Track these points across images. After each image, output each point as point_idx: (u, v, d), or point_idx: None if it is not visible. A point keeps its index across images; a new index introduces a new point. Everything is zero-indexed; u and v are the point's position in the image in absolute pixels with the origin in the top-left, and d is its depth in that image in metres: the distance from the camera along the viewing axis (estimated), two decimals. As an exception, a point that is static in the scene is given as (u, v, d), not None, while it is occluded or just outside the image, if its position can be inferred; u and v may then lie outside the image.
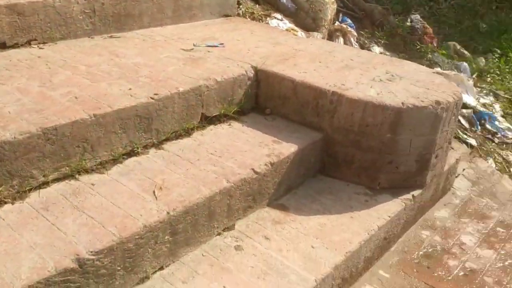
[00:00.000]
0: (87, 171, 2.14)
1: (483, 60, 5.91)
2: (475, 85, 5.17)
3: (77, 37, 3.11)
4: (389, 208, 2.48)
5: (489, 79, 5.54)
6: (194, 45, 3.17)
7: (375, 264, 2.44)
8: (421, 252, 2.55)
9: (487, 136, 4.55)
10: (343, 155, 2.64)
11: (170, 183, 2.10)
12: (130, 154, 2.31)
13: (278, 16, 4.53)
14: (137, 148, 2.33)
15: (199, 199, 2.03)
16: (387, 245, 2.51)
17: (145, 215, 1.88)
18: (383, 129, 2.49)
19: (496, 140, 4.53)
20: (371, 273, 2.38)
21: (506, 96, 5.23)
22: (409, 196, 2.59)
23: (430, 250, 2.57)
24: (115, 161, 2.24)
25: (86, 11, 3.11)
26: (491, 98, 5.18)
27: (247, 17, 4.27)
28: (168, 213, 1.92)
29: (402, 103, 2.45)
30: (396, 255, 2.52)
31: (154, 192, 2.03)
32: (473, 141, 4.25)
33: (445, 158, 2.82)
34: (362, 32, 5.54)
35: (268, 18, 4.46)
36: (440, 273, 2.41)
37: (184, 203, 1.98)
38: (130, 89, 2.41)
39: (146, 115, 2.33)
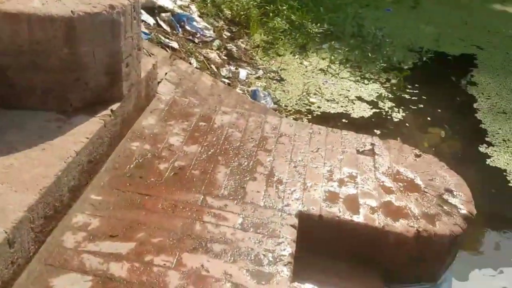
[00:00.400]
0: None
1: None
2: (170, -12, 5.20)
3: None
4: (87, 129, 2.30)
5: (182, -20, 5.65)
6: None
7: (86, 190, 2.29)
8: (132, 165, 2.51)
9: (188, 37, 4.74)
10: (21, 81, 2.26)
11: None
12: None
13: None
14: None
15: None
16: (95, 167, 2.37)
17: None
18: (57, 44, 2.20)
19: (196, 40, 4.77)
20: (82, 200, 2.23)
21: (199, -4, 5.47)
22: (107, 112, 2.45)
23: (141, 160, 2.56)
24: None
25: None
26: (187, 0, 5.34)
27: None
28: None
29: (72, 12, 2.17)
30: (107, 175, 2.41)
31: None
32: (175, 44, 4.35)
33: (139, 66, 2.74)
34: None
35: None
36: (152, 179, 2.43)
37: None
38: None
39: None
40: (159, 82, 3.32)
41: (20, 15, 2.11)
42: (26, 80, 2.25)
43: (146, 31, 4.19)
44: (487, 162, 3.76)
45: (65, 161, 2.08)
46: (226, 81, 4.39)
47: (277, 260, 2.05)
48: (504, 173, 3.64)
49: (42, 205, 1.91)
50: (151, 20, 4.49)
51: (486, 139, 4.04)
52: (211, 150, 2.74)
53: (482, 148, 3.92)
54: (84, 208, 2.19)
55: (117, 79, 2.49)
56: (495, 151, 3.89)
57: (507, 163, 3.75)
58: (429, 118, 4.33)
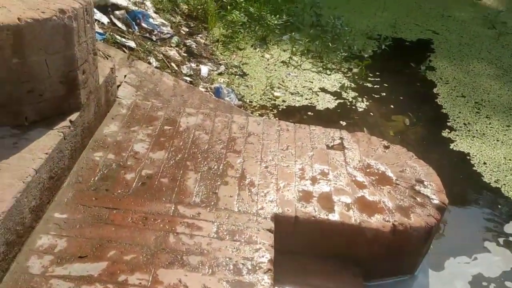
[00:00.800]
0: None
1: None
2: (122, -16, 4.99)
3: None
4: (46, 144, 2.16)
5: (133, -24, 5.44)
6: None
7: (49, 209, 2.15)
8: (97, 177, 2.39)
9: (145, 35, 4.57)
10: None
11: None
12: None
13: None
14: None
15: None
16: (57, 183, 2.23)
17: None
18: (6, 54, 2.03)
19: (154, 38, 4.61)
20: (45, 220, 2.10)
21: (154, -9, 5.28)
22: (66, 123, 2.31)
23: (106, 171, 2.44)
24: None
25: None
26: (141, -4, 5.14)
27: None
28: None
29: (19, 19, 2.01)
30: (70, 190, 2.28)
31: None
32: (132, 43, 4.18)
33: (96, 71, 2.60)
34: None
35: None
36: (119, 191, 2.32)
37: None
38: None
39: None
40: (118, 86, 3.18)
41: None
42: (-27, 95, 2.08)
43: (101, 31, 4.00)
44: (451, 147, 3.83)
45: (24, 181, 1.93)
46: (188, 79, 4.26)
47: (257, 268, 2.00)
48: (468, 157, 3.72)
49: (3, 231, 1.77)
50: (105, 19, 4.29)
51: (448, 123, 4.12)
52: (179, 155, 2.64)
53: (445, 133, 4.00)
54: (48, 229, 2.06)
55: (74, 88, 2.35)
56: (457, 135, 3.97)
57: (470, 147, 3.84)
58: (392, 106, 4.38)
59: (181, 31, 5.09)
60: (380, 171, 2.68)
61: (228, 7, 5.41)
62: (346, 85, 4.54)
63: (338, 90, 4.47)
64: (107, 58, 3.29)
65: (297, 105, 4.19)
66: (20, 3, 2.12)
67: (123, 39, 4.18)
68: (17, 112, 2.18)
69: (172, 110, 3.06)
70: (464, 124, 4.14)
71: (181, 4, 5.43)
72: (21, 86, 2.14)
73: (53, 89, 2.25)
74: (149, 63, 4.06)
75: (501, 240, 3.00)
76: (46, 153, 2.11)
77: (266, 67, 4.71)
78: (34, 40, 2.07)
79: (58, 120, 2.31)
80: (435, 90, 4.67)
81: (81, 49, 2.32)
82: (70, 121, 2.34)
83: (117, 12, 4.51)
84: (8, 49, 2.02)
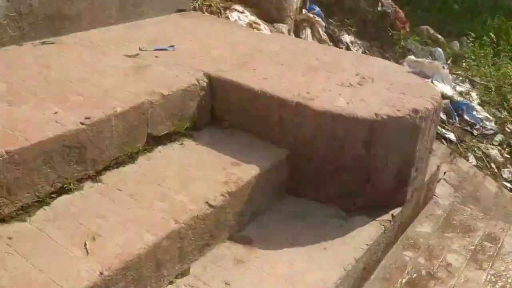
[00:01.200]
0: (4, 220, 1.76)
1: (457, 44, 5.67)
2: (450, 72, 4.92)
3: (2, 45, 2.67)
4: (367, 234, 2.19)
5: (464, 64, 5.31)
6: (140, 49, 2.77)
7: (354, 298, 2.15)
8: (404, 279, 2.27)
9: (465, 127, 4.32)
10: (313, 174, 2.32)
11: (106, 230, 1.74)
12: (60, 191, 1.93)
13: (239, 8, 4.14)
14: (69, 184, 1.95)
15: (141, 249, 1.68)
16: (367, 274, 2.22)
17: (72, 281, 1.52)
18: (355, 144, 2.18)
19: (475, 132, 4.31)
20: (348, 310, 2.10)
21: (482, 82, 5.01)
22: (388, 216, 2.30)
23: (414, 275, 2.30)
24: (41, 202, 1.86)
25: (11, 14, 2.67)
26: (467, 86, 4.95)
27: (204, 10, 3.87)
28: (101, 273, 1.56)
29: (376, 114, 2.13)
30: (377, 284, 2.23)
31: (85, 244, 1.67)
32: (452, 136, 4.01)
33: (425, 169, 2.53)
34: (331, 20, 5.21)
35: (227, 11, 4.07)
36: (426, 304, 2.14)
37: (123, 257, 1.63)
38: (56, 112, 2.01)
39: (77, 144, 1.95)
40: (437, 182, 3.03)
41: (327, 113, 2.18)
42: (319, 173, 2.30)
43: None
44: None
45: (345, 268, 1.98)
46: (508, 185, 3.76)
47: None
48: None
49: (318, 314, 1.84)
50: (428, 107, 4.27)
51: None
52: (499, 283, 2.27)
53: None
54: (351, 321, 2.04)
55: (403, 184, 2.33)
56: None
57: None
58: None
59: (506, 128, 4.60)
60: None
61: None
62: None
63: None
64: (430, 152, 3.21)
65: None
66: (378, 98, 2.26)
67: (443, 130, 4.05)
68: (349, 196, 2.30)
69: (495, 225, 2.70)
70: None
71: (511, 99, 4.94)
72: (359, 174, 2.25)
73: (384, 182, 2.29)
74: (467, 160, 3.78)
75: None
76: (367, 244, 2.13)
77: None
78: (384, 135, 2.15)
79: (381, 212, 2.32)
80: None
81: (421, 148, 2.30)
82: (392, 216, 2.32)
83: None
84: (359, 139, 2.16)
